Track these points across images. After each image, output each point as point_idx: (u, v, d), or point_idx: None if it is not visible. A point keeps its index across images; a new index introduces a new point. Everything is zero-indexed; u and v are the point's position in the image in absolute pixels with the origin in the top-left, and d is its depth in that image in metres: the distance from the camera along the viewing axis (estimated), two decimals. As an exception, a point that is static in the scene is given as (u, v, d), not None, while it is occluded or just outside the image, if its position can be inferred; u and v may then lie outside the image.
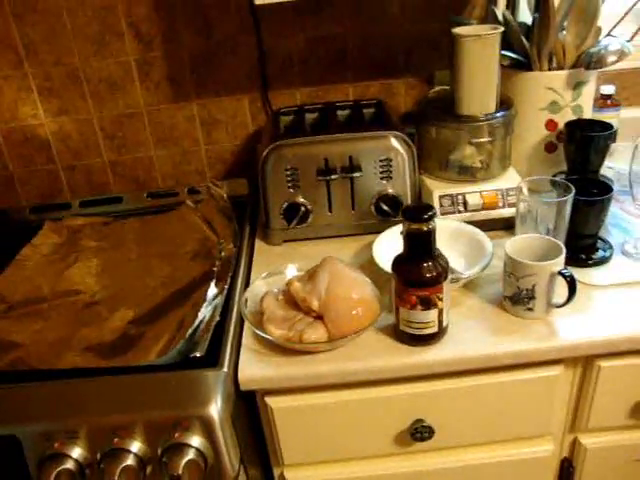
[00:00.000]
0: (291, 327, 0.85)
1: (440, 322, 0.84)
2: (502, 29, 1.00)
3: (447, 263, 0.83)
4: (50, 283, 1.09)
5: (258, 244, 1.15)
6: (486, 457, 0.97)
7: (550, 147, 1.16)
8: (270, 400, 0.89)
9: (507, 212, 1.07)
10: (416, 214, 0.79)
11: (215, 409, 0.77)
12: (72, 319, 0.99)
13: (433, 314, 0.83)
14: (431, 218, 0.79)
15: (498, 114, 1.07)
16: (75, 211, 1.31)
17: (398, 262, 0.84)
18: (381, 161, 1.07)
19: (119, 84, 1.28)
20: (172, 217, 1.24)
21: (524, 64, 1.13)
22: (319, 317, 0.86)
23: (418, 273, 0.81)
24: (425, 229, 0.80)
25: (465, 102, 1.06)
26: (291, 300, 0.90)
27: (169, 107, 1.31)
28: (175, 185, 1.36)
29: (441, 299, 0.83)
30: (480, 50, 1.00)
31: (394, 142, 1.07)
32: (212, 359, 0.84)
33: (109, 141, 1.33)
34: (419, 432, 0.92)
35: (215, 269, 1.04)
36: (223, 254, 1.08)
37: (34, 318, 1.00)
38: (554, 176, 1.09)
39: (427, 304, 0.82)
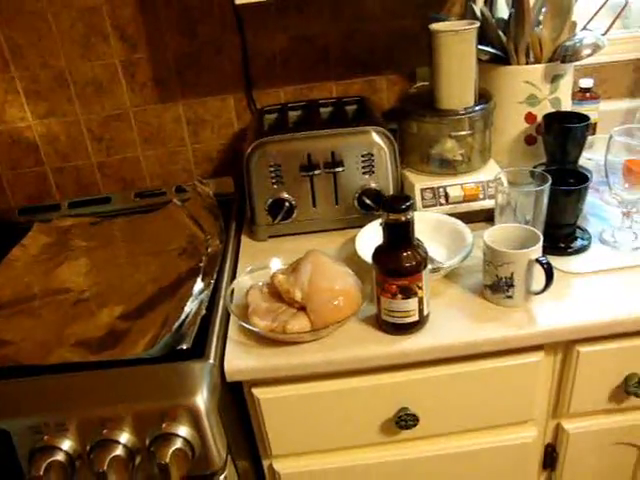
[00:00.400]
0: (275, 318, 0.87)
1: (421, 311, 0.86)
2: (478, 24, 1.02)
3: (426, 252, 0.85)
4: (40, 282, 1.10)
5: (244, 240, 1.17)
6: (471, 444, 0.99)
7: (530, 139, 1.18)
8: (257, 391, 0.91)
9: (488, 204, 1.09)
10: (394, 205, 0.81)
11: (201, 399, 0.79)
12: (61, 316, 1.00)
13: (413, 303, 0.85)
14: (409, 208, 0.81)
15: (477, 107, 1.09)
16: (64, 212, 1.32)
17: (378, 252, 0.85)
18: (363, 156, 1.09)
19: (105, 86, 1.30)
20: (159, 216, 1.26)
21: (502, 58, 1.15)
22: (302, 308, 0.87)
23: (397, 262, 0.83)
24: (403, 219, 0.81)
25: (444, 96, 1.08)
26: (275, 292, 0.92)
27: (155, 108, 1.33)
28: (163, 184, 1.38)
29: (421, 288, 0.85)
30: (457, 45, 1.02)
31: (375, 137, 1.09)
32: (198, 351, 0.86)
33: (96, 142, 1.35)
34: (403, 420, 0.93)
35: (202, 265, 1.05)
36: (209, 250, 1.09)
37: (24, 316, 1.01)
38: (534, 168, 1.11)
39: (407, 293, 0.84)
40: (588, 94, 1.29)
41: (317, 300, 0.86)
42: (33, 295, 1.06)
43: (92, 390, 0.83)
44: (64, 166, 1.37)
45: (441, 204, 1.10)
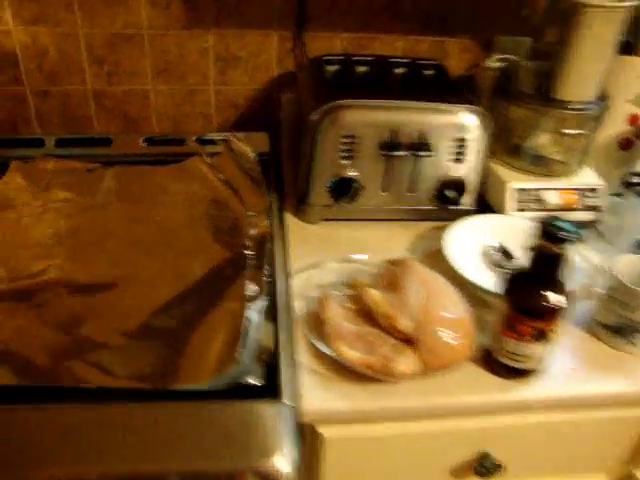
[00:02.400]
0: (371, 350, 0.68)
1: (545, 358, 0.71)
2: (636, 2, 0.83)
3: (568, 292, 0.68)
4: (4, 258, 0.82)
5: (289, 219, 0.95)
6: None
7: (625, 144, 1.03)
8: (324, 429, 0.72)
9: (586, 216, 0.94)
10: (556, 231, 0.63)
11: (282, 461, 0.59)
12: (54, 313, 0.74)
13: (542, 349, 0.69)
14: (569, 240, 0.64)
15: (594, 104, 0.92)
16: (48, 150, 1.03)
17: (515, 283, 0.68)
18: (455, 141, 0.90)
19: (118, -6, 1.01)
20: (178, 173, 1.00)
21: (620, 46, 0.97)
22: (405, 340, 0.69)
23: (541, 301, 0.66)
24: (558, 251, 0.64)
25: (563, 84, 0.89)
26: (363, 310, 0.72)
27: (179, 33, 1.05)
28: (172, 129, 1.12)
29: (554, 333, 0.68)
30: (601, 25, 0.83)
31: (474, 120, 0.89)
32: (269, 387, 0.65)
33: (96, 66, 1.06)
34: (484, 467, 0.79)
35: (247, 253, 0.83)
36: (254, 233, 0.86)
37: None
38: (628, 175, 0.97)
39: (539, 337, 0.68)
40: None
41: (433, 335, 0.67)
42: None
43: (118, 435, 0.60)
44: (50, 89, 1.07)
45: (533, 209, 0.94)
